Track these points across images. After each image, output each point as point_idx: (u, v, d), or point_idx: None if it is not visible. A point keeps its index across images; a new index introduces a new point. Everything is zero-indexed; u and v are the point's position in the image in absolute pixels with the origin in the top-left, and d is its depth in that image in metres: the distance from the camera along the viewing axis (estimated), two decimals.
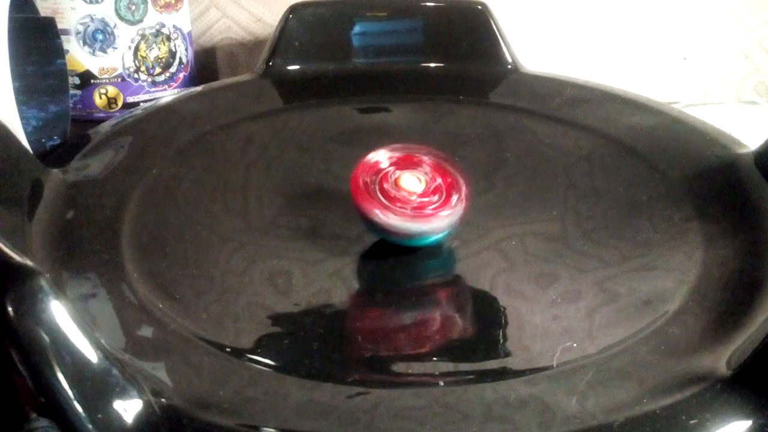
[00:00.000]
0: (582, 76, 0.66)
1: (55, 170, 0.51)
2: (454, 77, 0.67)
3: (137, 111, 0.62)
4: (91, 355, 0.29)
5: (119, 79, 0.69)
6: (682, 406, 0.31)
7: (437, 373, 0.35)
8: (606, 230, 0.47)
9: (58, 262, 0.41)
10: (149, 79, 0.70)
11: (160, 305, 0.39)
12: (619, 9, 0.82)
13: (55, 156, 0.55)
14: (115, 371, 0.30)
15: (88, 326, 0.31)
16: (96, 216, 0.47)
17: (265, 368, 0.35)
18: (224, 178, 0.53)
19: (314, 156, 0.56)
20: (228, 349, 0.36)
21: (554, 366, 0.35)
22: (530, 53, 0.72)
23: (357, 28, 0.69)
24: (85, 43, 0.66)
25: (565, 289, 0.41)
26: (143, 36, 0.68)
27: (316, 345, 0.37)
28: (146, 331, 0.37)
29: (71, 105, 0.65)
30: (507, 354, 0.37)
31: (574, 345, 0.36)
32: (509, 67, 0.67)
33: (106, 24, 0.66)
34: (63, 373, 0.28)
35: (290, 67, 0.67)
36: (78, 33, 0.66)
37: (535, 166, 0.54)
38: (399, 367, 0.36)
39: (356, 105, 0.64)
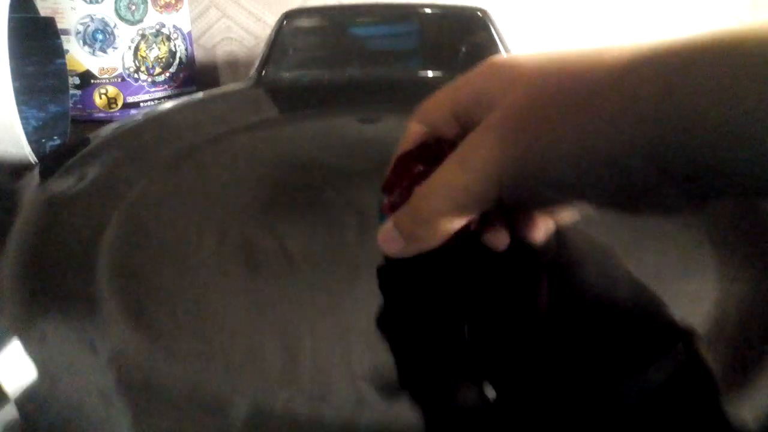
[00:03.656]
0: None
1: (32, 186, 0.48)
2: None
3: (120, 124, 0.57)
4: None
5: (119, 79, 0.69)
6: None
7: None
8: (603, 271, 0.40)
9: (28, 293, 0.37)
10: (149, 79, 0.70)
11: (138, 348, 0.34)
12: (619, 9, 0.82)
13: (30, 173, 0.51)
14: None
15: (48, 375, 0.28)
16: (71, 240, 0.42)
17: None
18: (209, 197, 0.47)
19: (312, 171, 0.51)
20: (214, 404, 0.31)
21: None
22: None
23: (354, 36, 0.66)
24: (85, 43, 0.66)
25: (557, 326, 0.36)
26: (143, 36, 0.68)
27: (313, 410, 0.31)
28: (123, 379, 0.32)
29: (71, 105, 0.65)
30: (495, 392, 0.32)
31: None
32: None
33: (106, 24, 0.66)
34: None
35: (284, 76, 0.64)
36: (78, 33, 0.66)
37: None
38: None
39: (353, 115, 0.60)
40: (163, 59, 0.70)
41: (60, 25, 0.63)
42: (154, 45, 0.69)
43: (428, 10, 0.67)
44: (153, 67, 0.70)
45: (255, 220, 0.44)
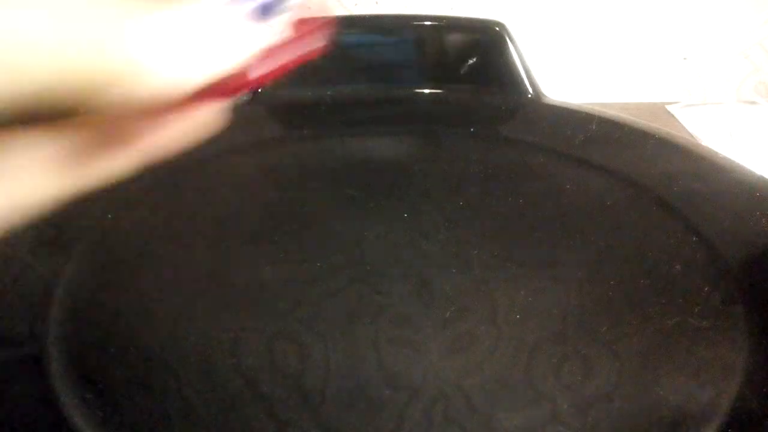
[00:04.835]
0: (581, 76, 0.65)
1: None
2: (465, 107, 0.57)
3: None
4: None
5: None
6: None
7: None
8: (626, 306, 0.36)
9: None
10: None
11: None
12: (620, 9, 0.81)
13: None
14: None
15: None
16: (20, 288, 0.36)
17: None
18: (193, 229, 0.42)
19: (304, 200, 0.45)
20: None
21: None
22: (532, 53, 0.72)
23: (358, 49, 0.60)
24: None
25: (564, 394, 0.31)
26: None
27: None
28: None
29: None
30: None
31: None
32: (529, 96, 0.57)
33: None
34: None
35: (282, 93, 0.57)
36: None
37: (549, 218, 0.44)
38: None
39: (353, 136, 0.54)
40: None
41: None
42: None
43: (440, 24, 0.60)
44: None
45: (239, 253, 0.40)
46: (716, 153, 0.50)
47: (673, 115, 0.78)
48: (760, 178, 0.46)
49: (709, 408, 0.30)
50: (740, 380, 0.31)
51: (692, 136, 0.72)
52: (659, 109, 0.80)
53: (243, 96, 0.57)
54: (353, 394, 0.31)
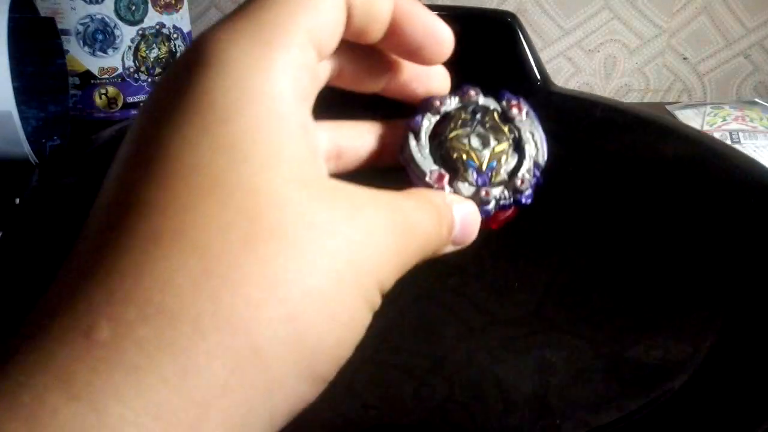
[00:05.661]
0: (581, 75, 0.65)
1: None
2: None
3: (99, 137, 0.50)
4: None
5: (119, 79, 0.68)
6: None
7: None
8: (614, 292, 0.38)
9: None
10: (149, 79, 0.69)
11: None
12: (620, 9, 0.82)
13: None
14: None
15: None
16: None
17: None
18: None
19: None
20: None
21: None
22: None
23: None
24: (85, 43, 0.66)
25: (552, 357, 0.34)
26: (143, 36, 0.67)
27: None
28: None
29: (71, 105, 0.64)
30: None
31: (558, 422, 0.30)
32: (538, 84, 0.57)
33: (106, 24, 0.65)
34: None
35: None
36: (78, 33, 0.65)
37: (554, 203, 0.40)
38: None
39: None
40: (163, 59, 0.69)
41: (60, 25, 0.63)
42: (154, 45, 0.68)
43: (450, 14, 0.59)
44: (153, 68, 0.69)
45: None
46: (718, 140, 0.50)
47: (673, 115, 0.78)
48: (761, 167, 0.45)
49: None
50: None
51: None
52: (659, 109, 0.80)
53: None
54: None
